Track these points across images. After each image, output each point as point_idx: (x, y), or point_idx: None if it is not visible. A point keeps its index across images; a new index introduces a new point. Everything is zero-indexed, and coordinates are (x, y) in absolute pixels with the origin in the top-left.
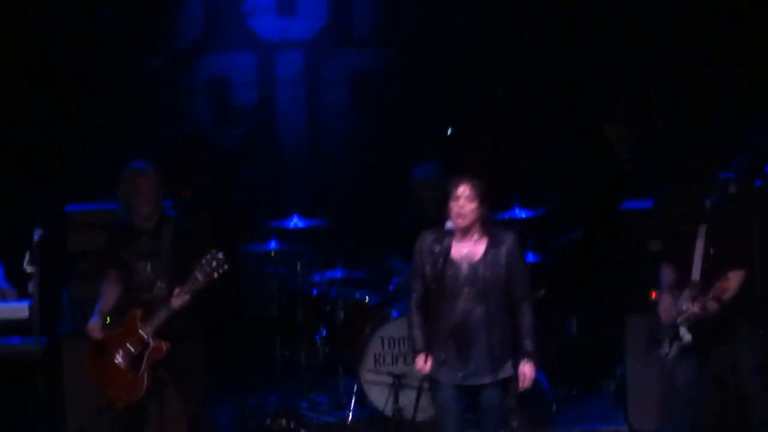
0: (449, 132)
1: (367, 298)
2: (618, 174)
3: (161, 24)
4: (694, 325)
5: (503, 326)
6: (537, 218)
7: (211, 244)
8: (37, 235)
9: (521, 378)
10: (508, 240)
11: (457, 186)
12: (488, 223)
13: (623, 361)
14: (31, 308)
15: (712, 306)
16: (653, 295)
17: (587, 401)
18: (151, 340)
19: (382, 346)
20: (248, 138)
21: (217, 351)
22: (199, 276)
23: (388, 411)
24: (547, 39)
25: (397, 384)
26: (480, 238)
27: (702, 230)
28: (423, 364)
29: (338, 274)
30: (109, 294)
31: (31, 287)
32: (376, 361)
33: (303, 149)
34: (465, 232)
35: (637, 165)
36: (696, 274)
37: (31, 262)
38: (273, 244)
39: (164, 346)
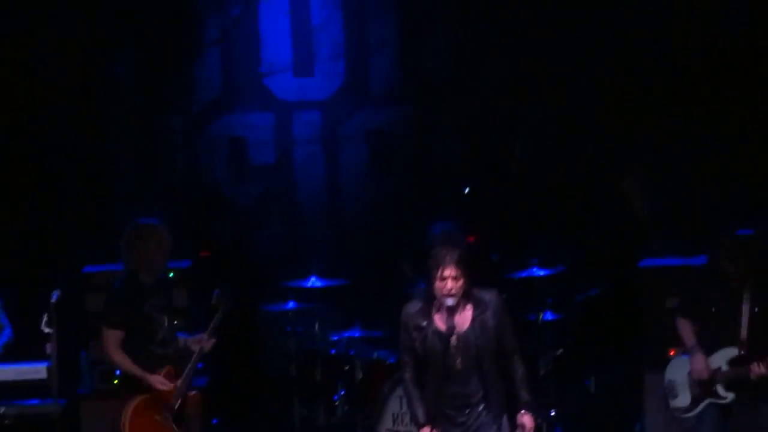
0: (467, 190)
1: (385, 357)
2: (635, 230)
3: (179, 83)
4: (732, 384)
5: (499, 385)
6: (555, 276)
7: None
8: (54, 296)
9: (521, 429)
10: (492, 301)
11: (441, 267)
12: (469, 285)
13: (642, 419)
14: (49, 369)
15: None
16: (672, 352)
17: None
18: (187, 393)
19: (401, 406)
20: (266, 197)
21: (236, 410)
22: (220, 315)
23: None
24: (563, 96)
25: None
26: (465, 305)
27: (748, 288)
28: None
29: (356, 333)
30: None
31: (49, 348)
32: (394, 420)
33: (321, 208)
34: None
35: (655, 221)
36: (744, 333)
37: (49, 323)
38: (291, 304)
39: (200, 395)
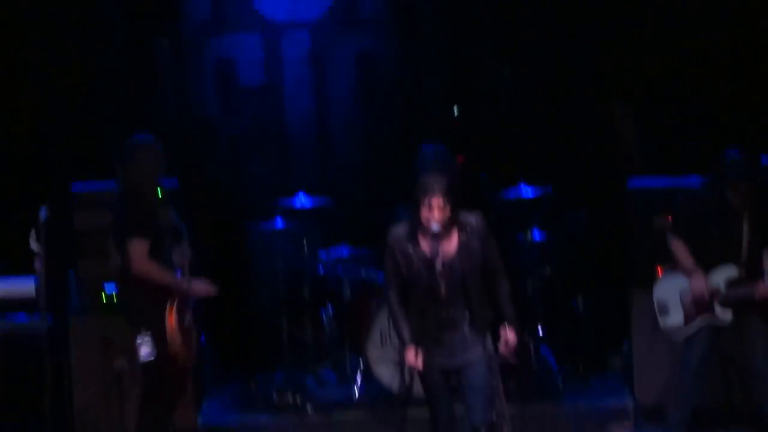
0: (455, 112)
1: (373, 276)
2: (624, 151)
3: (168, 4)
4: (730, 304)
5: (485, 308)
6: (543, 196)
7: None
8: (43, 213)
9: (503, 344)
10: (477, 225)
11: (429, 195)
12: (455, 212)
13: (630, 338)
14: (37, 286)
15: None
16: (659, 270)
17: (594, 377)
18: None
19: (388, 324)
20: (255, 118)
21: (223, 328)
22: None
23: (395, 387)
24: (553, 17)
25: (400, 352)
26: (450, 231)
27: (749, 210)
28: (414, 359)
29: (344, 252)
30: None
31: (37, 265)
32: (382, 337)
33: (309, 128)
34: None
35: (644, 142)
36: (745, 254)
37: (37, 240)
38: (279, 223)
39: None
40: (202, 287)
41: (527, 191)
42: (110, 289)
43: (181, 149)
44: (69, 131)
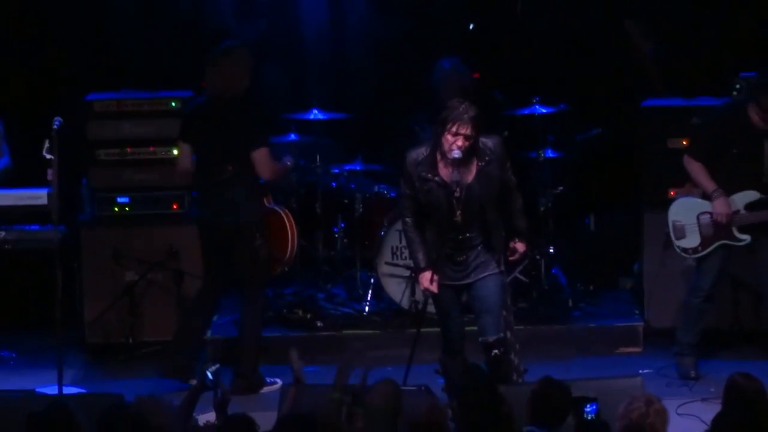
0: (471, 27)
1: (386, 191)
2: (639, 70)
3: None
4: (749, 227)
5: (499, 228)
6: (557, 114)
7: None
8: (56, 123)
9: (511, 252)
10: (496, 150)
11: (458, 123)
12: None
13: (641, 258)
14: (49, 195)
15: None
16: (672, 192)
17: (604, 298)
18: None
19: (400, 240)
20: (270, 30)
21: None
22: None
23: (405, 303)
24: None
25: (414, 277)
26: (470, 158)
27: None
28: (429, 283)
29: (358, 166)
30: None
31: (50, 174)
32: (393, 254)
33: (325, 41)
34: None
35: (658, 61)
36: (767, 176)
37: (50, 150)
38: (293, 136)
39: None
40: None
41: (541, 109)
42: (122, 200)
43: (194, 60)
44: (83, 41)
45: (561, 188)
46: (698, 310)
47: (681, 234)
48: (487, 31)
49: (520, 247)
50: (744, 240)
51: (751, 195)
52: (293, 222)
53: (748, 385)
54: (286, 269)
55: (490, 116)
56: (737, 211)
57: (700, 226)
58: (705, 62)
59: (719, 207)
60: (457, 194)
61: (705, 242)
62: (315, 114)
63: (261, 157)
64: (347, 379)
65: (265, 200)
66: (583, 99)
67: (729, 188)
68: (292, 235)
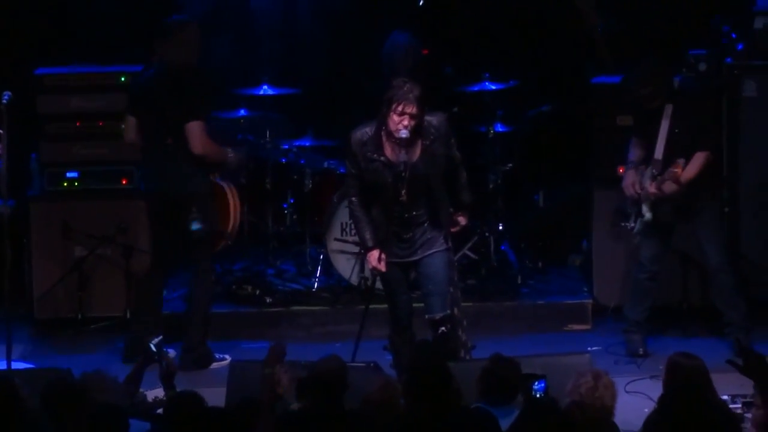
0: (420, 2)
1: (335, 167)
2: (588, 46)
3: None
4: (654, 204)
5: (446, 204)
6: (507, 90)
7: None
8: (6, 97)
9: (453, 224)
10: (441, 127)
11: (403, 102)
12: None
13: (590, 236)
14: None
15: (670, 188)
16: (621, 169)
17: (553, 274)
18: None
19: (349, 216)
20: (220, 4)
21: None
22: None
23: (354, 279)
24: None
25: (363, 253)
26: (415, 137)
27: (668, 109)
28: (377, 262)
29: (308, 142)
30: None
31: (0, 149)
32: (342, 230)
33: (275, 15)
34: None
35: (608, 38)
36: (659, 153)
37: (0, 125)
38: (242, 112)
39: None
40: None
41: (491, 85)
42: (72, 175)
43: (144, 34)
44: (32, 14)
45: (510, 165)
46: (644, 287)
47: (624, 212)
48: (436, 6)
49: (462, 219)
50: (645, 215)
51: (649, 171)
52: (236, 197)
53: (688, 363)
54: (230, 243)
55: (439, 92)
56: (643, 187)
57: (629, 202)
58: (654, 38)
59: (623, 180)
60: (403, 174)
61: (634, 217)
62: (265, 89)
63: (193, 129)
64: (281, 356)
65: (210, 175)
66: (533, 75)
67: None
68: (235, 210)
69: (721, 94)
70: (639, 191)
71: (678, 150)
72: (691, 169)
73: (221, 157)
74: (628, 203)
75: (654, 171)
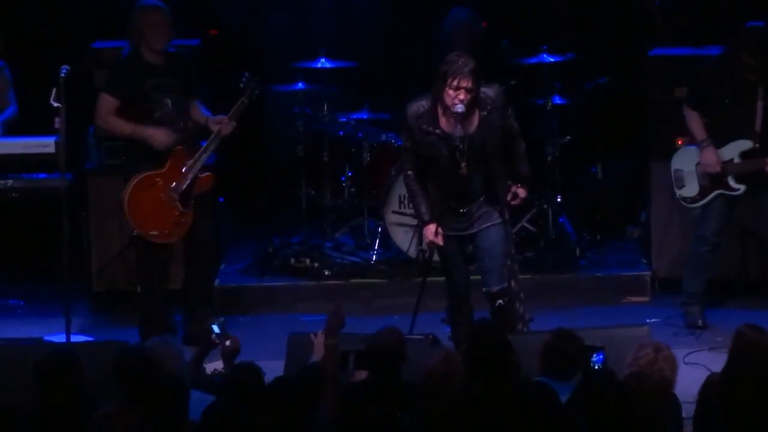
0: None
1: (393, 140)
2: (646, 19)
3: None
4: (744, 176)
5: (503, 177)
6: (564, 63)
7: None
8: (63, 71)
9: (512, 196)
10: (497, 99)
11: (458, 77)
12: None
13: (648, 208)
14: (57, 143)
15: None
16: (679, 141)
17: (611, 247)
18: (198, 174)
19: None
20: None
21: (243, 189)
22: (245, 100)
23: (412, 252)
24: None
25: (420, 226)
26: (472, 109)
27: (764, 81)
28: (434, 236)
29: (365, 115)
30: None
31: (57, 123)
32: (401, 203)
33: None
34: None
35: (666, 10)
36: (758, 125)
37: (57, 98)
38: (300, 85)
39: (210, 177)
40: (160, 135)
41: (549, 58)
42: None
43: (201, 6)
44: None
45: (568, 137)
46: (704, 260)
47: (681, 183)
48: None
49: (521, 192)
50: (738, 189)
51: (745, 144)
52: (129, 193)
53: (755, 336)
54: (155, 233)
55: (497, 65)
56: (731, 160)
57: (698, 175)
58: (712, 11)
59: (706, 157)
60: (459, 146)
61: (703, 191)
62: (322, 62)
63: (97, 100)
64: (340, 326)
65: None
66: (590, 48)
67: (724, 137)
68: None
69: None
70: (720, 164)
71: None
72: None
73: (124, 134)
74: (698, 177)
75: (756, 144)
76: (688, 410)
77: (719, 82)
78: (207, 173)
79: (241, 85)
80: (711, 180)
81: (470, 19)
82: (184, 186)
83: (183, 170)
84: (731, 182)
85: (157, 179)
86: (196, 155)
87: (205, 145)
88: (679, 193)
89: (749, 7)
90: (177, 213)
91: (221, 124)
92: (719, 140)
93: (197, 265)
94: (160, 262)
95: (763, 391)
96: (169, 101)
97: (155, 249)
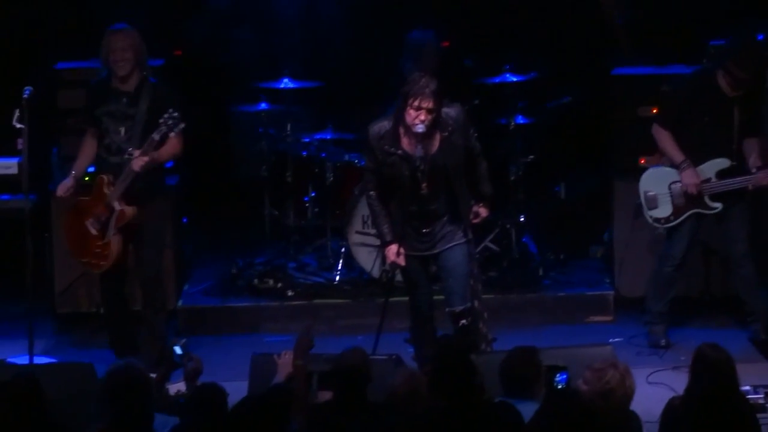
0: None
1: (356, 160)
2: (609, 38)
3: None
4: (719, 195)
5: (466, 197)
6: (527, 82)
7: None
8: (26, 92)
9: (474, 215)
10: (459, 119)
11: (419, 97)
12: (439, 111)
13: (611, 227)
14: (20, 165)
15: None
16: (642, 161)
17: (574, 266)
18: (116, 205)
19: None
20: None
21: (206, 210)
22: (156, 136)
23: (375, 272)
24: None
25: (382, 247)
26: (433, 130)
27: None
28: (395, 256)
29: (328, 135)
30: (87, 153)
31: (20, 144)
32: (364, 223)
33: (297, 8)
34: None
35: (629, 29)
36: (736, 143)
37: (21, 119)
38: (263, 105)
39: (129, 210)
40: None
41: (512, 77)
42: (93, 170)
43: (165, 27)
44: (54, 9)
45: (531, 157)
46: (668, 279)
47: (653, 204)
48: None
49: (483, 211)
50: (716, 208)
51: (722, 163)
52: (64, 218)
53: (714, 356)
54: (84, 261)
55: (460, 84)
56: (708, 179)
57: (672, 195)
58: (676, 29)
59: (687, 178)
60: (422, 167)
61: (677, 211)
62: (285, 83)
63: None
64: (309, 347)
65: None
66: (553, 67)
67: (700, 156)
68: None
69: None
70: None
71: (741, 139)
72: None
73: None
74: (672, 198)
75: (733, 162)
76: (650, 430)
77: (695, 101)
78: (124, 207)
79: (160, 120)
80: (687, 200)
81: (430, 40)
82: (103, 217)
83: (104, 200)
84: (708, 201)
85: (83, 207)
86: (114, 187)
87: (120, 178)
88: (650, 214)
89: (711, 27)
90: (99, 243)
91: (133, 159)
92: (696, 158)
93: (142, 291)
94: (112, 287)
95: (724, 410)
96: (122, 129)
97: (104, 273)
